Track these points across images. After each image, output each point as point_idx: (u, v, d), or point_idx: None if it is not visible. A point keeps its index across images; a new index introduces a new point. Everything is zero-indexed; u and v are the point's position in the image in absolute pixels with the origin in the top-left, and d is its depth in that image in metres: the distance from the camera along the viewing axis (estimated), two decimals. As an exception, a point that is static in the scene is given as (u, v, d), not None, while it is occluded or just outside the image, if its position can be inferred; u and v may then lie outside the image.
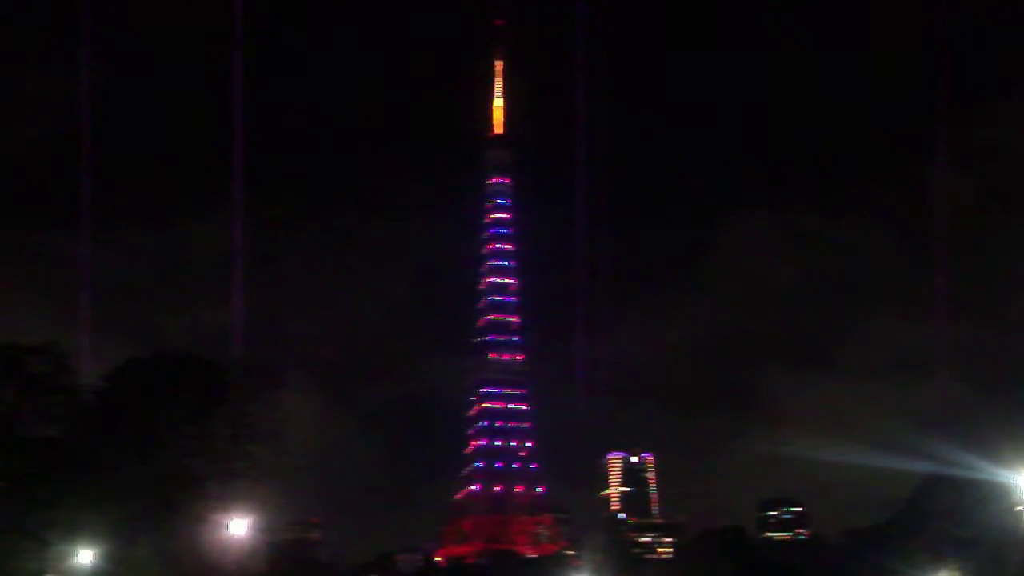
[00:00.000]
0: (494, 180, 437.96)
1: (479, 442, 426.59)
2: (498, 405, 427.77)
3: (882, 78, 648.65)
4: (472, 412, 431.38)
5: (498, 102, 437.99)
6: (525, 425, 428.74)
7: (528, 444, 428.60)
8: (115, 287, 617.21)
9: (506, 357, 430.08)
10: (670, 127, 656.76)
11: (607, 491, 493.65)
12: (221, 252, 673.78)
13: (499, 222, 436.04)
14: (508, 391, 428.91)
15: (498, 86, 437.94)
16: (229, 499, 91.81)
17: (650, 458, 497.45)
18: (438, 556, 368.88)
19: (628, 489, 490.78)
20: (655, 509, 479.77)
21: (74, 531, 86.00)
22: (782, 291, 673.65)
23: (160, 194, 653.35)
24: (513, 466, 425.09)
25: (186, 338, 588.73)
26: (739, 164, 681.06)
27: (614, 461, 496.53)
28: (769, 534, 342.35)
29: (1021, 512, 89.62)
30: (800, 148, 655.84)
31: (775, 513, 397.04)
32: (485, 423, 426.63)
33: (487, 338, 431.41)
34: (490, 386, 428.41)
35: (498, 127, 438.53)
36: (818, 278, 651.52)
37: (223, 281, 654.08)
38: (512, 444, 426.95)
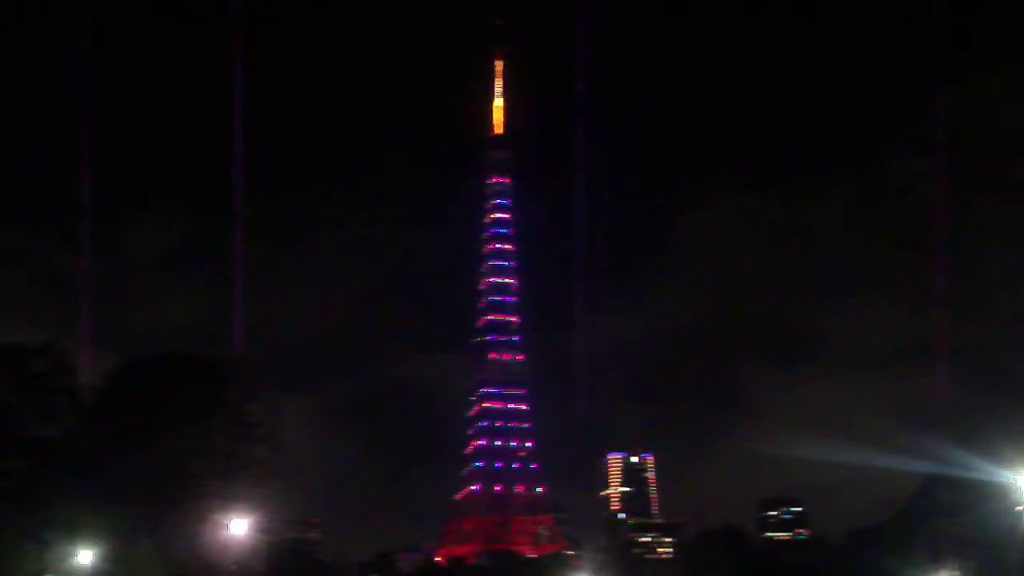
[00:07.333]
0: (494, 180, 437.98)
1: (479, 442, 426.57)
2: (498, 405, 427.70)
3: (847, 61, 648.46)
4: (472, 412, 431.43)
5: (498, 102, 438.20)
6: (525, 425, 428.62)
7: (528, 444, 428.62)
8: (70, 281, 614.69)
9: (506, 357, 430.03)
10: (648, 120, 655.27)
11: (607, 491, 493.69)
12: (180, 246, 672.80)
13: (499, 222, 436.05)
14: (508, 391, 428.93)
15: (498, 86, 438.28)
16: (229, 499, 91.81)
17: (650, 458, 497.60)
18: (438, 556, 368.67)
19: (628, 489, 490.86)
20: (655, 509, 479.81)
21: (74, 531, 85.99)
22: (753, 282, 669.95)
23: (115, 186, 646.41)
24: (513, 466, 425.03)
25: (152, 335, 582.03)
26: (706, 152, 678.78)
27: (614, 461, 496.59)
28: (769, 534, 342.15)
29: (1021, 512, 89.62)
30: (766, 135, 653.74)
31: (775, 513, 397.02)
32: (485, 423, 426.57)
33: (487, 338, 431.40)
34: (490, 386, 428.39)
35: (498, 127, 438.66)
36: (789, 268, 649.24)
37: (181, 276, 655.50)
38: (512, 444, 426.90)
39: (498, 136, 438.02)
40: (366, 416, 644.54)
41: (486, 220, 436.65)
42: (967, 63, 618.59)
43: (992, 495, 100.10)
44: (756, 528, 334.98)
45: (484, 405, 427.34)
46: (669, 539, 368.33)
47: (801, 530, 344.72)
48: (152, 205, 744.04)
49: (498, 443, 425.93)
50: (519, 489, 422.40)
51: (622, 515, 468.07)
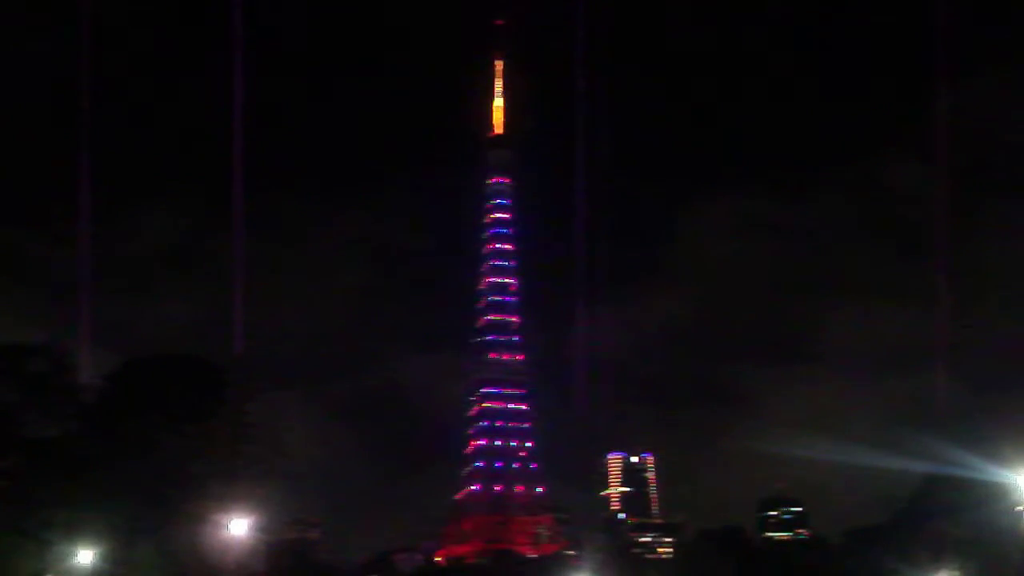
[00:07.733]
0: (494, 180, 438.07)
1: (479, 442, 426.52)
2: (498, 405, 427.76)
3: (848, 61, 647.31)
4: (472, 412, 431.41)
5: (498, 102, 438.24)
6: (525, 425, 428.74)
7: (528, 444, 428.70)
8: (66, 281, 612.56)
9: (506, 357, 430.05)
10: (648, 119, 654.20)
11: (607, 491, 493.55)
12: (180, 246, 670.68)
13: (499, 222, 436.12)
14: (508, 391, 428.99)
15: (498, 86, 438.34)
16: (229, 499, 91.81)
17: (650, 458, 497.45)
18: (438, 556, 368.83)
19: (628, 489, 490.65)
20: (655, 509, 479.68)
21: (74, 531, 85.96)
22: (753, 282, 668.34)
23: (115, 186, 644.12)
24: (513, 466, 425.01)
25: (152, 335, 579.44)
26: (706, 152, 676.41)
27: (614, 461, 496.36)
28: (769, 534, 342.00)
29: (1021, 512, 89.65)
30: (766, 134, 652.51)
31: (775, 513, 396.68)
32: (485, 423, 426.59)
33: (487, 338, 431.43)
34: (490, 386, 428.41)
35: (498, 127, 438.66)
36: (789, 268, 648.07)
37: (180, 276, 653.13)
38: (512, 444, 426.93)
39: (498, 136, 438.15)
40: (366, 416, 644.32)
41: (486, 220, 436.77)
42: (967, 63, 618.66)
43: (992, 495, 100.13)
44: (756, 528, 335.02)
45: (484, 405, 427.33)
46: (669, 539, 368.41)
47: (801, 530, 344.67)
48: (151, 204, 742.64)
49: (498, 443, 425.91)
50: (519, 489, 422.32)
51: (622, 515, 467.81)
